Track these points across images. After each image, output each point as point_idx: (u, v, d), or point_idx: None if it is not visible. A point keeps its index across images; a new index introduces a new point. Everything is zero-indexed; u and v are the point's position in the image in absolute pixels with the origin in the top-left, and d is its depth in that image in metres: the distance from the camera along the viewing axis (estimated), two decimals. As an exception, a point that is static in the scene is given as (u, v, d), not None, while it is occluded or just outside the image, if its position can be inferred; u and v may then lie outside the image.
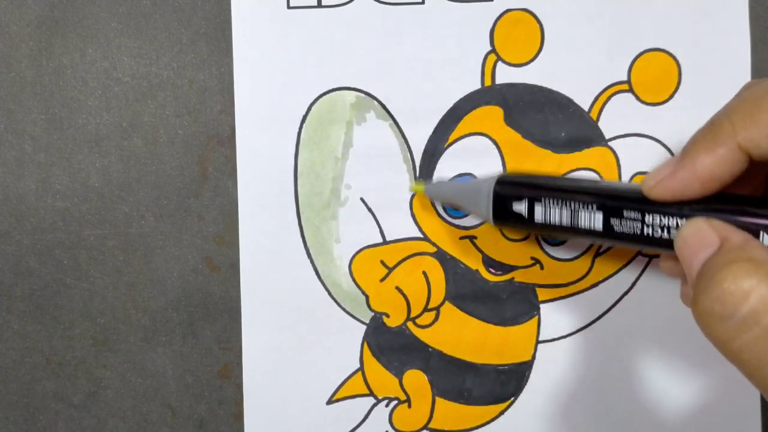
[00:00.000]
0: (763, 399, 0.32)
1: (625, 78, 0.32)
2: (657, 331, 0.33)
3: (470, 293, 0.33)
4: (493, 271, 0.33)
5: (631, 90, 0.32)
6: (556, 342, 0.33)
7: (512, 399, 0.33)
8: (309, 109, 0.33)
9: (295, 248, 0.33)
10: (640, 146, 0.32)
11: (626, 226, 0.24)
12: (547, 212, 0.27)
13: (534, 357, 0.33)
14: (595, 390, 0.33)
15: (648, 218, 0.24)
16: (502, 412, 0.33)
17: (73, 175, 0.33)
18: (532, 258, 0.33)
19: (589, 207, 0.25)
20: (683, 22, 0.32)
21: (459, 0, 0.32)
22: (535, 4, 0.32)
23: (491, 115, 0.32)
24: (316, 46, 0.32)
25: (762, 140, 0.21)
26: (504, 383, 0.33)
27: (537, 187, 0.27)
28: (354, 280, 0.33)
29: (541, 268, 0.33)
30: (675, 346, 0.33)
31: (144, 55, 0.33)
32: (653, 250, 0.27)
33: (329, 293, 0.33)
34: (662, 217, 0.23)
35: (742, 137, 0.21)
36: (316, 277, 0.33)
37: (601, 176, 0.32)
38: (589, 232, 0.26)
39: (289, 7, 0.32)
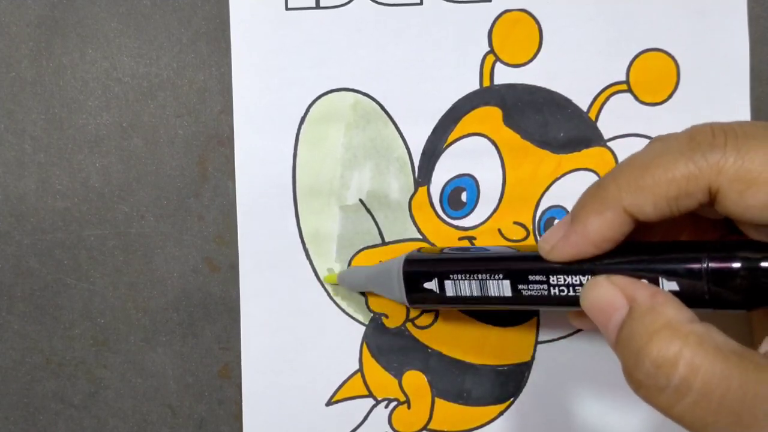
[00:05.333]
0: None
1: (623, 78, 0.32)
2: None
3: (469, 294, 0.33)
4: (492, 271, 0.33)
5: (629, 90, 0.32)
6: (555, 342, 0.33)
7: (511, 400, 0.33)
8: (308, 109, 0.33)
9: (294, 249, 0.33)
10: (639, 146, 0.32)
11: (534, 289, 0.25)
12: (457, 286, 0.27)
13: (533, 358, 0.33)
14: (595, 390, 0.33)
15: (553, 279, 0.24)
16: (501, 413, 0.33)
17: (73, 175, 0.33)
18: (531, 258, 0.33)
19: (496, 276, 0.26)
20: (682, 22, 0.32)
21: (457, 1, 0.32)
22: (533, 5, 0.32)
23: (490, 116, 0.32)
24: (314, 47, 0.32)
25: (647, 206, 0.21)
26: (503, 384, 0.33)
27: (444, 262, 0.28)
28: (353, 281, 0.33)
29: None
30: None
31: (144, 55, 0.33)
32: (566, 309, 0.27)
33: (328, 294, 0.33)
34: (566, 277, 0.24)
35: (627, 202, 0.21)
36: (315, 277, 0.33)
37: (599, 176, 0.32)
38: (500, 300, 0.26)
39: (287, 8, 0.32)
